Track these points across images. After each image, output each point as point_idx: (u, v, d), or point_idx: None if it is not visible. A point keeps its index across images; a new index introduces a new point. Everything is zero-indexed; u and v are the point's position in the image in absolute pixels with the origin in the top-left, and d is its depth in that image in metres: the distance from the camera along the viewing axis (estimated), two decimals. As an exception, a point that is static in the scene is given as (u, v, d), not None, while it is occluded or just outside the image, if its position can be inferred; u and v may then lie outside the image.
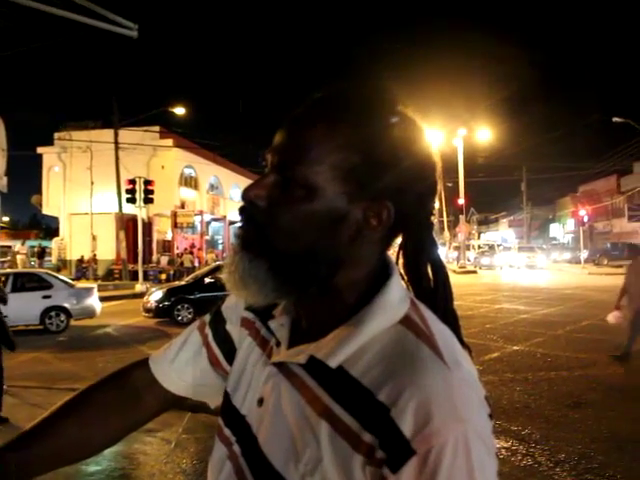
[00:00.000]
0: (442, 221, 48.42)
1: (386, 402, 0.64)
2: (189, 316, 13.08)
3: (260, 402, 0.78)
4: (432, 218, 0.81)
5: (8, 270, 14.97)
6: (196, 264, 28.14)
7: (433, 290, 0.81)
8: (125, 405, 0.99)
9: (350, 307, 0.75)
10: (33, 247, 32.34)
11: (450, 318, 0.79)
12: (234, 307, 0.96)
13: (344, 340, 0.71)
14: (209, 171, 38.70)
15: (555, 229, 63.67)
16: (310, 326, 0.78)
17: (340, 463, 0.66)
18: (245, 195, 0.75)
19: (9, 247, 29.31)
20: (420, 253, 0.81)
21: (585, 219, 37.49)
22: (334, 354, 0.71)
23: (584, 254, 36.91)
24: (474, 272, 32.12)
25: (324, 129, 0.72)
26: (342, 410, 0.68)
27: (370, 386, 0.67)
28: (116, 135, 27.34)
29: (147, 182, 22.33)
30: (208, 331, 0.98)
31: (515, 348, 9.30)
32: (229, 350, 0.94)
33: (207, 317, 1.01)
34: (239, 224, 0.78)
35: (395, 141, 0.73)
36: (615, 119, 30.57)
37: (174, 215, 31.98)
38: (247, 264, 0.74)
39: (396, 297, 0.75)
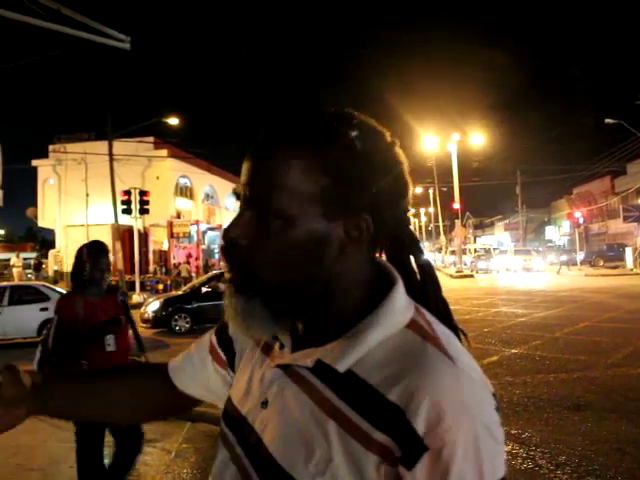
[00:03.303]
0: (438, 226, 48.45)
1: (398, 402, 0.67)
2: (187, 325, 13.05)
3: (264, 404, 0.80)
4: (407, 214, 0.82)
5: (4, 283, 14.88)
6: (193, 274, 28.10)
7: (421, 283, 0.83)
8: (148, 392, 1.07)
9: (352, 314, 0.76)
10: (28, 259, 32.22)
11: (442, 306, 0.83)
12: None
13: (351, 345, 0.73)
14: (204, 180, 38.73)
15: (551, 231, 63.84)
16: (314, 331, 0.79)
17: (352, 462, 0.68)
18: (225, 236, 0.75)
19: (8, 260, 29.18)
20: (402, 250, 0.83)
21: (580, 221, 37.63)
22: (342, 359, 0.73)
23: (580, 256, 37.00)
24: (471, 276, 32.15)
25: (288, 156, 0.72)
26: (351, 411, 0.70)
27: (379, 387, 0.69)
28: (110, 147, 27.29)
29: (142, 193, 22.34)
30: (214, 338, 1.01)
31: (514, 351, 9.30)
32: (232, 355, 0.97)
33: (218, 325, 1.06)
34: (226, 267, 0.78)
35: (358, 154, 0.73)
36: (608, 120, 30.70)
37: (170, 225, 31.97)
38: (243, 305, 0.75)
39: (401, 303, 0.76)
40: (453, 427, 0.64)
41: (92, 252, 3.65)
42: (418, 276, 0.83)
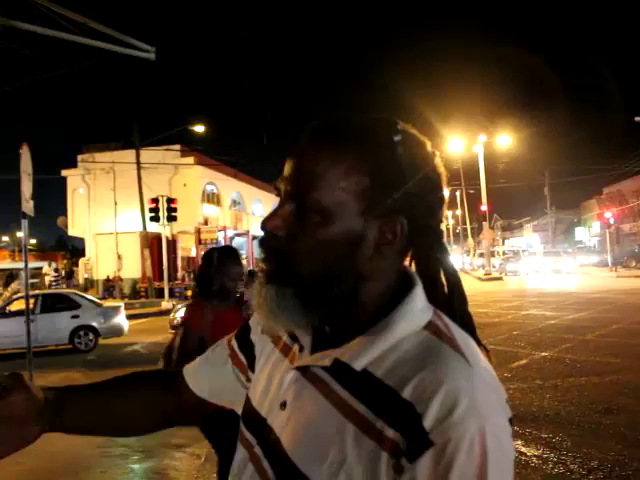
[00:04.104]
0: (465, 228, 48.03)
1: (410, 399, 0.68)
2: (215, 331, 13.12)
3: (283, 405, 0.81)
4: (441, 226, 0.83)
5: (37, 291, 15.20)
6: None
7: (448, 295, 0.84)
8: (161, 401, 1.05)
9: (372, 316, 0.78)
10: (58, 269, 32.77)
11: (467, 320, 0.83)
12: (256, 318, 1.02)
13: (369, 344, 0.75)
14: (231, 187, 39.01)
15: (580, 232, 62.81)
16: (333, 334, 0.81)
17: (365, 462, 0.69)
18: (264, 227, 0.78)
19: (40, 269, 29.75)
20: (432, 261, 0.84)
21: (611, 221, 36.94)
22: (359, 357, 0.74)
23: (612, 256, 36.34)
24: (499, 279, 31.79)
25: (332, 155, 0.75)
26: (367, 410, 0.71)
27: (394, 385, 0.70)
28: (138, 155, 27.76)
29: (170, 200, 22.60)
30: (234, 343, 1.03)
31: (543, 354, 9.17)
32: (253, 358, 0.99)
33: (235, 331, 1.07)
34: (262, 256, 0.81)
35: (400, 158, 0.76)
36: (638, 118, 30.13)
37: (198, 232, 32.24)
38: (274, 295, 0.77)
39: (420, 305, 0.78)
40: (460, 425, 0.65)
41: (225, 258, 3.28)
42: (446, 288, 0.84)
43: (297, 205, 0.76)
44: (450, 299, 0.83)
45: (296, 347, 0.86)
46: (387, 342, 0.74)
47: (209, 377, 1.04)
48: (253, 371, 0.97)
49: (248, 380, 0.99)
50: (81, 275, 33.75)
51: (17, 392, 0.89)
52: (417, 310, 0.78)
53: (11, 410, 0.88)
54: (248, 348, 1.00)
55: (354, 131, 0.77)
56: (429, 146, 0.81)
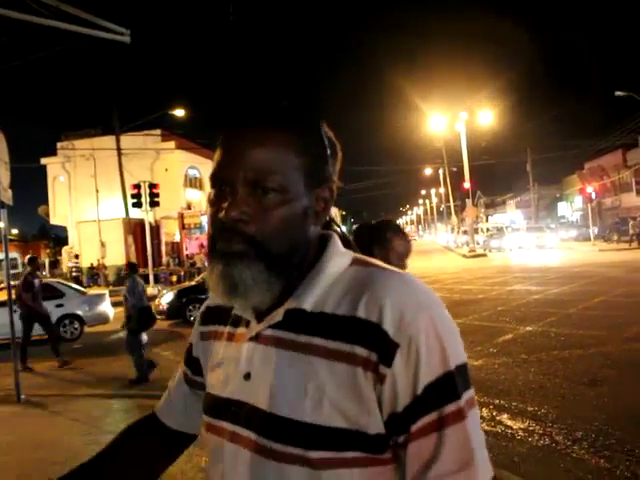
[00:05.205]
0: (449, 206, 48.26)
1: (366, 316, 0.79)
2: (201, 316, 13.12)
3: (247, 376, 0.87)
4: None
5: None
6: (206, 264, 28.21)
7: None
8: (152, 453, 1.10)
9: (308, 268, 0.89)
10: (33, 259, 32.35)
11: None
12: (194, 331, 1.08)
13: (309, 286, 0.86)
14: (213, 171, 38.76)
15: (563, 208, 63.34)
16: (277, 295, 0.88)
17: (343, 383, 0.78)
18: (228, 217, 0.83)
19: (15, 260, 29.37)
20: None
21: (593, 196, 37.28)
22: (305, 299, 0.85)
23: (594, 230, 36.71)
24: (484, 255, 32.04)
25: (282, 138, 0.85)
26: (329, 341, 0.81)
27: (347, 312, 0.81)
28: (118, 141, 27.41)
29: (152, 186, 22.38)
30: (186, 370, 1.10)
31: (528, 329, 9.29)
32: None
33: (184, 357, 1.12)
34: (226, 241, 0.84)
35: (326, 137, 0.91)
36: (618, 93, 30.29)
37: (181, 217, 32.06)
38: (250, 271, 0.83)
39: (341, 249, 0.92)
40: (413, 321, 0.78)
41: (394, 229, 2.81)
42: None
43: (257, 189, 0.83)
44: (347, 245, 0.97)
45: (242, 328, 0.94)
46: (325, 280, 0.86)
47: (183, 413, 1.09)
48: (200, 375, 1.05)
49: None
50: (65, 264, 33.47)
51: None
52: (341, 252, 0.91)
53: None
54: (197, 366, 1.06)
55: (292, 114, 0.88)
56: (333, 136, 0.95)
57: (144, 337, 8.06)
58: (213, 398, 0.93)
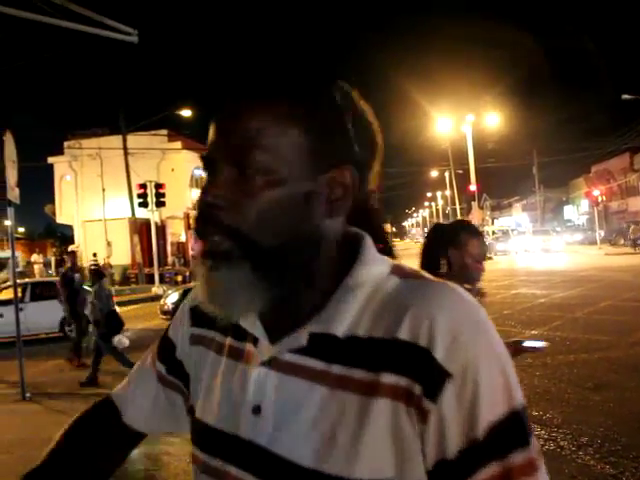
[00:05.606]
0: (455, 209, 48.19)
1: (409, 338, 0.63)
2: (206, 316, 13.10)
3: (257, 410, 0.71)
4: (377, 181, 0.78)
5: (26, 280, 15.10)
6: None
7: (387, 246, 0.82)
8: (105, 448, 0.95)
9: (331, 278, 0.71)
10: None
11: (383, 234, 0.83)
12: (179, 328, 0.90)
13: (342, 306, 0.69)
14: (219, 171, 38.78)
15: (569, 211, 63.13)
16: (292, 310, 0.72)
17: (382, 424, 0.63)
18: (202, 201, 0.68)
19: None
20: (373, 212, 0.83)
21: (599, 199, 37.14)
22: (338, 322, 0.68)
23: (600, 234, 36.57)
24: (489, 258, 31.82)
25: (268, 109, 0.68)
26: (364, 372, 0.65)
27: (386, 335, 0.65)
28: (124, 141, 27.50)
29: (158, 186, 22.45)
30: (160, 367, 0.91)
31: (533, 333, 9.24)
32: (186, 377, 0.88)
33: (155, 348, 0.94)
34: (204, 236, 0.69)
35: (346, 104, 0.71)
36: (625, 96, 30.17)
37: (187, 217, 32.11)
38: (231, 274, 0.67)
39: (376, 254, 0.74)
40: (470, 345, 0.62)
41: (470, 230, 2.69)
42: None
43: (237, 168, 0.67)
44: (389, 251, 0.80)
45: (248, 345, 0.76)
46: (360, 296, 0.69)
47: (142, 409, 0.93)
48: (189, 391, 0.86)
49: (187, 401, 0.87)
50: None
51: None
52: (377, 258, 0.73)
53: None
54: (177, 368, 0.89)
55: (286, 80, 0.71)
56: (357, 93, 0.75)
57: (125, 341, 8.07)
58: (208, 429, 0.76)
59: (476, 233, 2.72)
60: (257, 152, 0.66)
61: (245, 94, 0.70)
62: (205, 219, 0.68)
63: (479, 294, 2.75)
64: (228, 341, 0.80)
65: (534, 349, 2.86)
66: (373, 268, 0.71)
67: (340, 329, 0.67)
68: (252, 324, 0.74)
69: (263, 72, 0.72)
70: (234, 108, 0.69)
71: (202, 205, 0.68)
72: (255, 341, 0.75)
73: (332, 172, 0.69)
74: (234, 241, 0.67)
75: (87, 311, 8.41)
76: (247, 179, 0.67)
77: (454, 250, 2.61)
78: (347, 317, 0.68)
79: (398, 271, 0.72)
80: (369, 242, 0.74)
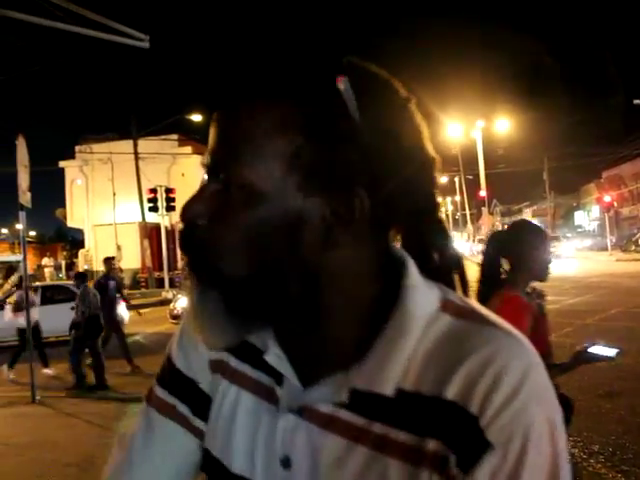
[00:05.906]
0: (465, 214, 48.04)
1: (456, 398, 0.54)
2: (215, 321, 13.13)
3: (286, 463, 0.61)
4: (436, 200, 0.64)
5: (37, 283, 15.19)
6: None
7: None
8: None
9: (366, 317, 0.60)
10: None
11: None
12: (194, 354, 0.73)
13: (388, 356, 0.57)
14: (229, 176, 38.94)
15: (580, 217, 62.81)
16: (319, 352, 0.62)
17: None
18: (183, 215, 0.60)
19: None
20: (424, 245, 0.65)
21: (611, 205, 36.93)
22: (384, 378, 0.57)
23: (611, 240, 36.35)
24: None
25: (253, 112, 0.58)
26: (409, 434, 0.55)
27: (433, 392, 0.55)
28: (135, 145, 27.67)
29: (168, 190, 22.59)
30: (169, 399, 0.74)
31: (544, 339, 9.18)
32: (202, 401, 0.73)
33: (159, 390, 0.75)
34: (181, 249, 0.62)
35: (348, 109, 0.57)
36: (637, 101, 30.03)
37: (196, 221, 32.18)
38: (199, 300, 0.60)
39: (422, 285, 0.61)
40: (522, 413, 0.52)
41: (535, 234, 2.59)
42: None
43: (220, 182, 0.59)
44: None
45: (273, 382, 0.65)
46: (407, 346, 0.57)
47: (158, 460, 0.73)
48: (205, 419, 0.72)
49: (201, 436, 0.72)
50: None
51: None
52: (423, 292, 0.60)
53: None
54: (205, 407, 0.72)
55: (277, 81, 0.59)
56: (402, 89, 0.61)
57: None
58: (229, 474, 0.65)
59: (538, 229, 2.68)
60: (236, 164, 0.57)
61: (229, 97, 0.61)
62: (183, 234, 0.61)
63: (540, 296, 2.68)
64: (249, 372, 0.68)
65: (605, 358, 2.57)
66: (419, 307, 0.59)
67: (387, 388, 0.57)
68: (277, 359, 0.64)
69: (255, 69, 0.61)
70: (220, 115, 0.61)
71: (183, 219, 0.61)
72: (278, 377, 0.64)
73: (330, 192, 0.57)
74: (204, 265, 0.59)
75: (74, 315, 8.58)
76: (228, 195, 0.58)
77: (519, 250, 2.52)
78: (394, 374, 0.57)
79: (450, 307, 0.60)
80: (412, 270, 0.61)
